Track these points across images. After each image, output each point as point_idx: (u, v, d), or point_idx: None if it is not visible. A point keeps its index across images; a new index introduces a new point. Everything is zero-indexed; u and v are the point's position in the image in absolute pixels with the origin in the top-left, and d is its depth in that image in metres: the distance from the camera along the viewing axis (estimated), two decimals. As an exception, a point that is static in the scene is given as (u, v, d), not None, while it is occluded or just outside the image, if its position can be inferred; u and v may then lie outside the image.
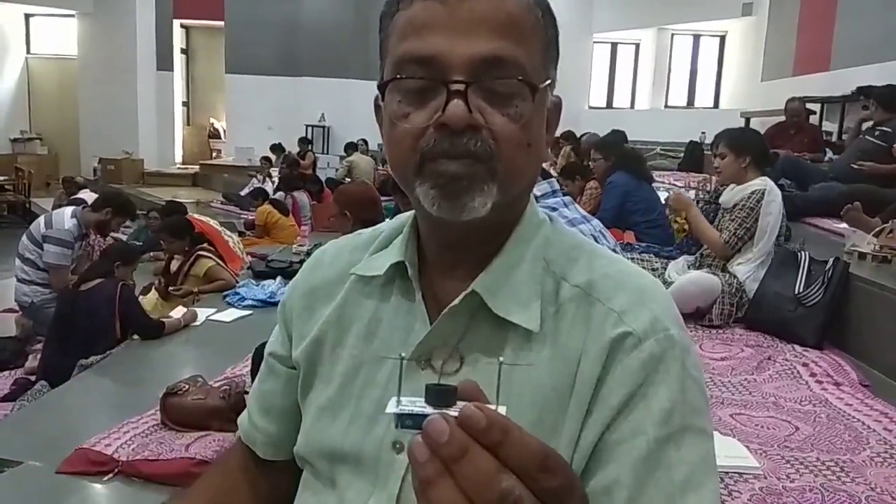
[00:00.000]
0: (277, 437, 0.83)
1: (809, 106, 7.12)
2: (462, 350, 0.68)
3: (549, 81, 0.68)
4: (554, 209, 1.54)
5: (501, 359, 0.50)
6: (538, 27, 0.67)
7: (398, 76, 0.64)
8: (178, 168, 14.01)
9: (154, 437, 2.26)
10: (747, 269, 3.15)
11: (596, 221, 1.62)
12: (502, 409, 0.38)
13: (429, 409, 0.39)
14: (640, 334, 0.65)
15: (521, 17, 0.64)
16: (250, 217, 7.96)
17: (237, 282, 4.42)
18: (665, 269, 3.53)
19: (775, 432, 1.96)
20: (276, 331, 0.85)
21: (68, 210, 4.51)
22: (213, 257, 4.64)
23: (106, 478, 2.07)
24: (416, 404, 0.40)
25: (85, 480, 2.08)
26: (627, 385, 0.64)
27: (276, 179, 9.67)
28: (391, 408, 0.41)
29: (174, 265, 4.59)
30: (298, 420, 0.79)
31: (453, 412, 0.38)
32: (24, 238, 4.41)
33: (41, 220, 4.46)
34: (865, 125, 5.18)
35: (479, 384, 0.41)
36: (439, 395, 0.40)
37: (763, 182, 3.22)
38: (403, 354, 0.48)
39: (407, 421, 0.40)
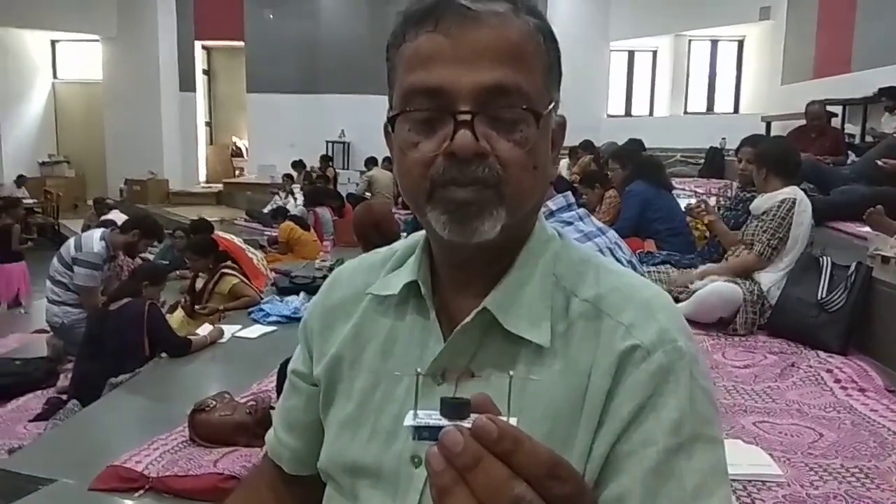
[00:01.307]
0: (303, 452, 0.85)
1: (831, 108, 7.05)
2: (475, 365, 0.71)
3: (552, 105, 0.70)
4: (569, 223, 1.56)
5: (512, 373, 0.52)
6: (540, 52, 0.69)
7: (407, 109, 0.67)
8: (203, 187, 14.19)
9: (183, 453, 2.30)
10: (774, 278, 3.13)
11: (612, 233, 1.63)
12: (514, 421, 0.41)
13: (444, 422, 0.41)
14: (648, 347, 0.67)
15: (522, 45, 0.67)
16: (273, 233, 8.05)
17: (261, 298, 4.48)
18: (685, 278, 3.52)
19: (799, 439, 1.95)
20: (298, 349, 0.88)
21: (97, 233, 4.61)
22: (238, 275, 4.71)
23: (137, 494, 2.12)
24: (431, 417, 0.42)
25: (116, 497, 2.13)
26: (637, 397, 0.66)
27: (297, 196, 9.77)
28: (408, 421, 0.43)
29: (199, 283, 4.66)
30: (321, 436, 0.81)
31: (467, 424, 0.40)
32: (54, 260, 4.51)
33: (71, 242, 4.56)
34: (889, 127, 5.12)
35: (493, 398, 0.43)
36: (454, 408, 0.42)
37: (792, 191, 3.21)
38: (420, 370, 0.51)
39: (424, 433, 0.42)
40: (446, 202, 0.66)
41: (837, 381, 2.41)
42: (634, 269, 1.73)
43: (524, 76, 0.66)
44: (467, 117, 0.64)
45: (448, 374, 0.71)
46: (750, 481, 1.66)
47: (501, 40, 0.65)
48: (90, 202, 11.57)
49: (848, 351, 2.75)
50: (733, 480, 1.66)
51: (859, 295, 2.81)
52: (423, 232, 0.78)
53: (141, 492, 2.13)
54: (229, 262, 4.82)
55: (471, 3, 0.65)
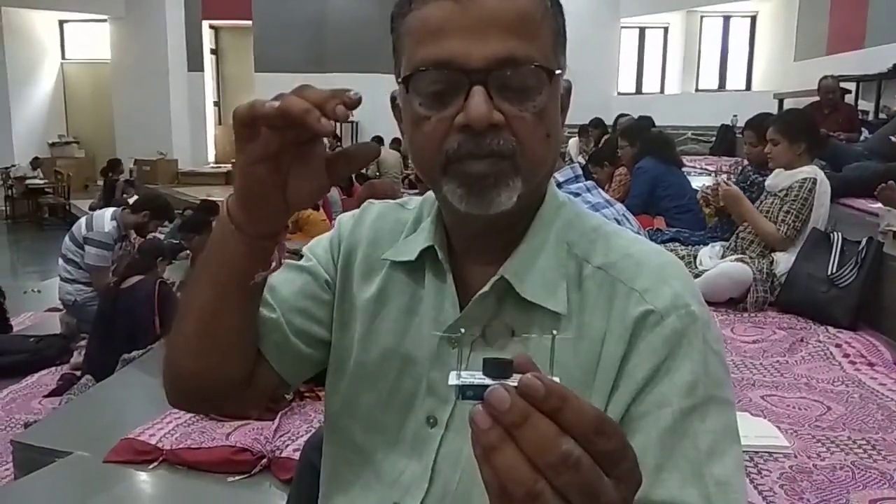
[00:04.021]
0: (270, 326, 0.78)
1: (845, 85, 6.97)
2: (491, 332, 0.71)
3: (560, 70, 0.70)
4: (577, 194, 1.56)
5: (555, 332, 0.51)
6: (548, 17, 0.69)
7: (421, 69, 0.66)
8: (212, 167, 14.20)
9: (195, 426, 2.33)
10: (791, 257, 3.11)
11: (619, 205, 1.63)
12: (556, 379, 0.40)
13: (488, 381, 0.41)
14: (661, 311, 0.69)
15: (531, 11, 0.67)
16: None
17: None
18: (694, 256, 3.50)
19: (807, 412, 1.96)
20: (325, 244, 0.85)
21: (108, 212, 4.64)
22: None
23: (151, 466, 2.16)
24: (475, 377, 0.42)
25: (131, 469, 2.17)
26: (652, 360, 0.67)
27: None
28: (453, 380, 0.43)
29: None
30: (300, 323, 0.79)
31: (512, 383, 0.40)
32: (66, 239, 4.55)
33: (82, 221, 4.59)
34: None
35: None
36: (498, 367, 0.42)
37: (812, 170, 3.17)
38: (463, 330, 0.50)
39: (468, 392, 0.42)
40: (463, 175, 0.66)
41: (846, 355, 2.42)
42: (643, 240, 1.73)
43: (535, 45, 0.66)
44: (480, 84, 0.64)
45: (488, 335, 0.72)
46: (757, 453, 1.67)
47: (511, 7, 0.65)
48: (100, 182, 11.66)
49: (857, 326, 2.75)
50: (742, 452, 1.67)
51: (870, 270, 2.80)
52: (432, 195, 0.79)
53: (155, 464, 2.16)
54: None
55: None
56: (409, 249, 0.78)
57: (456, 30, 0.65)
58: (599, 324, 0.70)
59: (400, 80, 0.70)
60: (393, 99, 0.75)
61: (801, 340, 2.60)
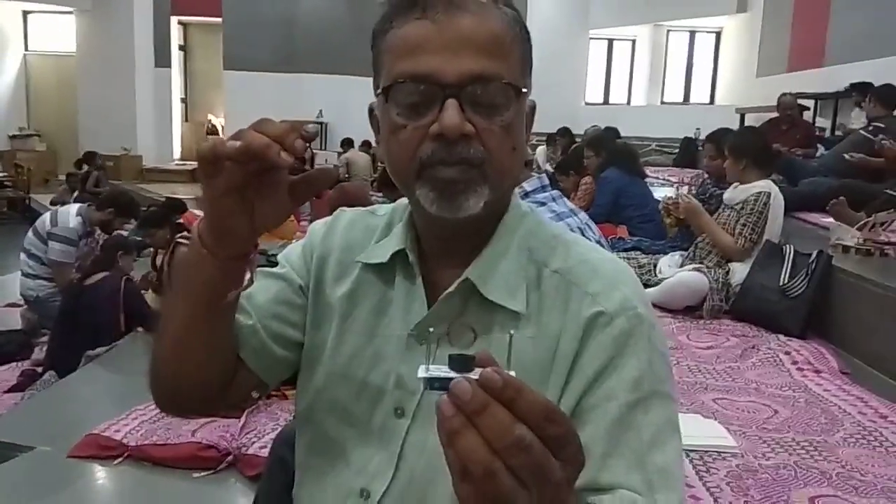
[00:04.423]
0: (247, 331, 0.83)
1: (803, 102, 7.19)
2: (454, 329, 0.77)
3: (526, 90, 0.76)
4: (543, 203, 1.63)
5: (512, 332, 0.58)
6: (517, 41, 0.75)
7: (395, 94, 0.72)
8: (177, 164, 14.04)
9: (161, 423, 2.33)
10: (745, 268, 3.22)
11: (583, 214, 1.70)
12: (513, 373, 0.46)
13: (453, 374, 0.47)
14: (611, 313, 0.75)
15: (502, 35, 0.73)
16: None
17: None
18: (654, 265, 3.61)
19: (755, 415, 2.05)
20: (298, 251, 0.89)
21: (73, 208, 4.60)
22: None
23: (116, 461, 2.15)
24: (441, 370, 0.48)
25: (95, 464, 2.16)
26: (601, 357, 0.74)
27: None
28: (422, 373, 0.49)
29: (160, 259, 4.64)
30: (276, 327, 0.84)
31: (474, 376, 0.45)
32: (29, 233, 4.50)
33: (46, 217, 4.54)
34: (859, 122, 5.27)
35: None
36: (461, 362, 0.48)
37: (767, 185, 3.30)
38: (432, 329, 0.56)
39: (435, 384, 0.48)
40: (434, 180, 0.72)
41: (795, 362, 2.53)
42: (602, 247, 1.81)
43: (504, 64, 0.72)
44: (454, 97, 0.70)
45: (452, 334, 0.77)
46: (707, 452, 1.75)
47: (484, 30, 0.71)
48: (62, 177, 11.44)
49: (807, 335, 2.87)
50: (692, 451, 1.76)
51: (819, 282, 2.92)
52: (404, 202, 0.84)
53: (119, 459, 2.16)
54: (185, 234, 4.80)
55: None
56: (380, 252, 0.83)
57: (433, 47, 0.71)
58: (556, 323, 0.76)
59: (379, 90, 0.75)
60: (371, 110, 0.80)
61: (753, 347, 2.71)
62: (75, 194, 7.37)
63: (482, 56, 0.71)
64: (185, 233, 4.74)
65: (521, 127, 0.76)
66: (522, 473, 0.44)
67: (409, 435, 0.78)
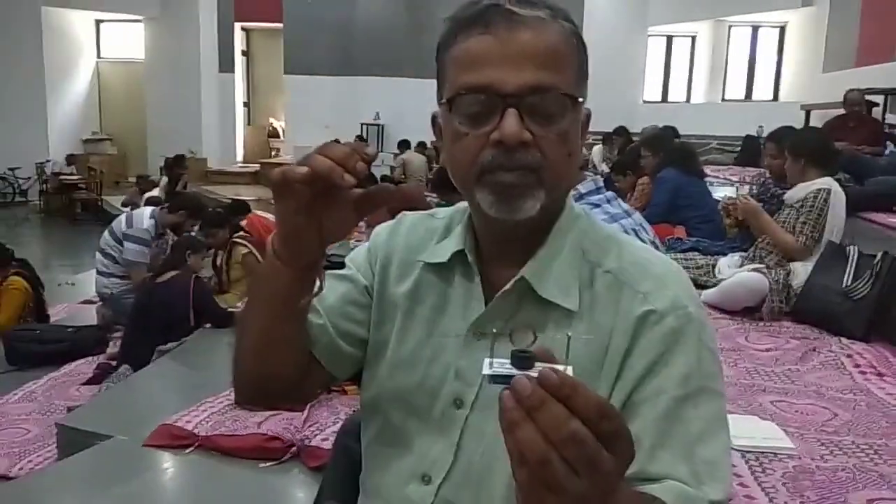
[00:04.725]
0: (318, 330, 0.89)
1: (873, 98, 6.94)
2: (515, 333, 0.82)
3: (582, 99, 0.80)
4: (597, 205, 1.66)
5: (569, 333, 0.63)
6: (573, 53, 0.79)
7: (462, 92, 0.77)
8: (240, 167, 14.44)
9: (229, 414, 2.45)
10: (807, 269, 3.15)
11: (637, 215, 1.73)
12: (570, 371, 0.52)
13: (514, 371, 0.52)
14: (661, 312, 0.79)
15: (560, 47, 0.77)
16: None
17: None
18: (713, 266, 3.56)
19: (813, 418, 2.03)
20: (363, 254, 0.95)
21: (147, 210, 4.84)
22: (249, 245, 4.84)
23: (187, 451, 2.27)
24: (504, 366, 0.53)
25: (168, 453, 2.28)
26: (651, 354, 0.78)
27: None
28: (486, 369, 0.53)
29: (219, 259, 4.81)
30: (346, 326, 0.91)
31: (533, 373, 0.50)
32: (105, 234, 4.74)
33: (122, 218, 4.79)
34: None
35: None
36: (522, 360, 0.52)
37: (827, 182, 3.23)
38: (495, 330, 0.61)
39: (498, 379, 0.52)
40: (494, 184, 0.77)
41: (857, 365, 2.48)
42: (657, 248, 1.83)
43: (561, 76, 0.77)
44: (513, 107, 0.75)
45: (514, 335, 0.82)
46: (763, 453, 1.75)
47: (542, 43, 0.76)
48: (132, 179, 11.92)
49: (871, 338, 2.79)
50: (748, 451, 1.76)
51: (884, 284, 2.85)
52: (462, 206, 0.90)
53: (190, 448, 2.27)
54: (241, 233, 4.98)
55: (517, 9, 0.76)
56: (441, 252, 0.88)
57: (494, 60, 0.75)
58: (607, 321, 0.80)
59: (443, 101, 0.80)
60: (434, 118, 0.86)
61: (814, 350, 2.66)
62: (146, 195, 7.68)
63: (540, 68, 0.75)
64: (241, 233, 4.92)
65: (576, 134, 0.80)
66: (576, 464, 0.49)
67: (467, 424, 0.83)
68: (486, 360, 0.54)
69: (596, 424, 0.49)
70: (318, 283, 0.80)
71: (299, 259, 0.78)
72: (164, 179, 9.76)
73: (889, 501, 1.56)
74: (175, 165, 10.03)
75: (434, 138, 0.88)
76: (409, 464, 0.87)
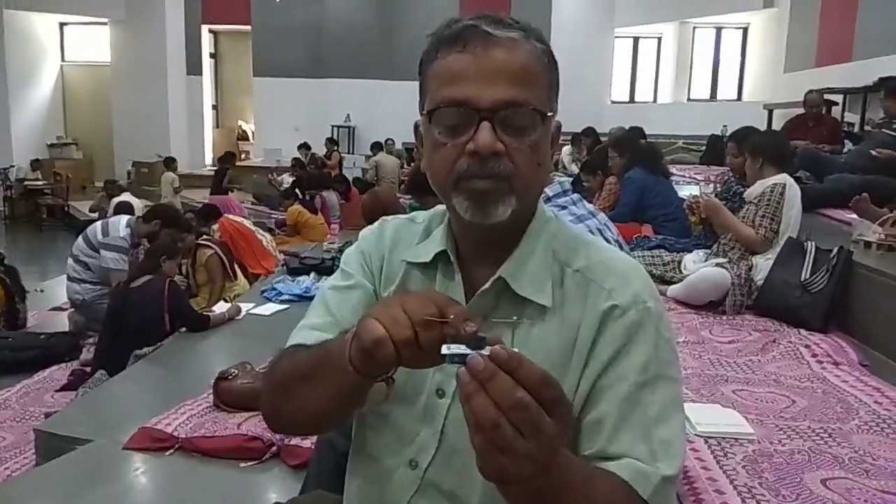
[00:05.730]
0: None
1: (832, 97, 7.15)
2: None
3: (552, 113, 0.88)
4: (564, 207, 1.74)
5: (515, 318, 0.76)
6: (545, 71, 0.87)
7: (442, 105, 0.84)
8: (209, 170, 14.31)
9: (209, 417, 2.49)
10: (768, 264, 3.27)
11: (602, 216, 1.81)
12: (515, 349, 0.62)
13: (469, 351, 0.63)
14: (624, 306, 0.87)
15: (531, 66, 0.85)
16: (281, 216, 8.23)
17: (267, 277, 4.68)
18: (678, 262, 3.68)
19: (773, 405, 2.13)
20: (357, 259, 1.01)
21: (123, 219, 4.83)
22: (214, 246, 4.88)
23: (167, 453, 2.30)
24: (460, 348, 0.64)
25: (149, 455, 2.31)
26: (614, 345, 0.86)
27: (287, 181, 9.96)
28: (445, 350, 0.65)
29: (184, 266, 4.83)
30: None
31: (485, 352, 0.61)
32: (79, 241, 4.71)
33: (98, 226, 4.76)
34: (879, 118, 5.26)
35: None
36: (476, 342, 0.64)
37: (782, 177, 3.38)
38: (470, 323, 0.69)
39: (455, 358, 0.64)
40: (469, 191, 0.85)
41: (814, 355, 2.59)
42: (620, 247, 1.92)
43: (532, 92, 0.84)
44: (487, 120, 0.82)
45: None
46: (725, 438, 1.84)
47: (516, 62, 0.83)
48: (98, 184, 11.77)
49: (828, 329, 2.92)
50: (710, 437, 1.85)
51: (840, 277, 2.98)
52: (440, 209, 0.97)
53: (171, 450, 2.30)
54: (204, 235, 5.01)
55: (493, 30, 0.83)
56: (424, 253, 0.96)
57: (471, 77, 0.83)
58: (576, 315, 0.88)
59: (424, 112, 0.88)
60: (416, 126, 0.93)
61: (774, 341, 2.77)
62: (114, 201, 7.62)
63: (513, 85, 0.82)
64: (203, 236, 4.95)
65: (546, 146, 0.88)
66: (522, 427, 0.60)
67: (449, 412, 0.90)
68: (444, 346, 0.65)
69: (538, 392, 0.60)
70: (386, 391, 0.84)
71: (374, 375, 0.78)
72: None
73: (842, 480, 1.66)
74: (224, 161, 10.33)
75: (417, 145, 0.95)
76: (397, 450, 0.94)
